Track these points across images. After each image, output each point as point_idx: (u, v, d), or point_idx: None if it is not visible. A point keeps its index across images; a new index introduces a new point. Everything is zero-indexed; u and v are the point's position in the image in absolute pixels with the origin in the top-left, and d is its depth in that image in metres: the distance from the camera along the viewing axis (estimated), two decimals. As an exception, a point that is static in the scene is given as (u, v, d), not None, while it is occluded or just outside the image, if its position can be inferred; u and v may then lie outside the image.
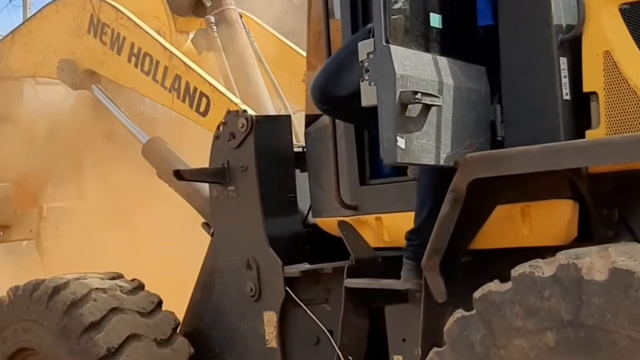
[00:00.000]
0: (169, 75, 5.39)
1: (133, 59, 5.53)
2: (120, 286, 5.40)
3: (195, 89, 5.30)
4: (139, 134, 5.76)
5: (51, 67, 5.97)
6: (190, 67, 5.35)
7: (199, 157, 5.49)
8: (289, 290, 4.77)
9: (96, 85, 5.90)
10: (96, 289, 5.29)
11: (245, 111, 5.07)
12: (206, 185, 5.36)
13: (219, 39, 5.57)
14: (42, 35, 6.04)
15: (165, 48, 5.46)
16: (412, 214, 4.07)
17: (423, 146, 3.48)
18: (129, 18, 5.59)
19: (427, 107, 3.48)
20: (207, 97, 5.26)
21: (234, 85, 5.44)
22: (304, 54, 5.86)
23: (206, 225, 5.43)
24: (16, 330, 5.42)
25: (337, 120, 4.43)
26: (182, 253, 6.99)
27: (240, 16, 5.72)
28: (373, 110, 3.54)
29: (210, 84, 5.28)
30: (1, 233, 6.82)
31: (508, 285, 3.30)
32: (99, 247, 6.70)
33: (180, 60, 5.38)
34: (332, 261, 4.83)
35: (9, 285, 5.47)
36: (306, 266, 4.91)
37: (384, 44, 3.39)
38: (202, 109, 5.28)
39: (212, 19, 5.62)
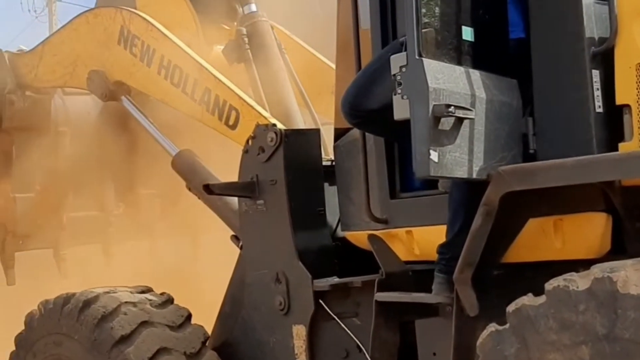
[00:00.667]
0: (198, 88, 5.39)
1: (163, 71, 5.55)
2: (150, 300, 5.42)
3: (224, 102, 5.30)
4: (168, 146, 5.77)
5: (81, 78, 5.99)
6: (220, 80, 5.36)
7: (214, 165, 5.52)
8: (323, 304, 4.75)
9: (126, 96, 5.92)
10: (126, 302, 5.31)
11: (274, 125, 5.08)
12: (235, 199, 5.37)
13: (250, 50, 5.58)
14: (72, 46, 6.06)
15: (195, 61, 5.47)
16: (443, 228, 4.06)
17: (456, 159, 3.48)
18: (159, 30, 5.60)
19: (459, 121, 3.48)
20: (237, 111, 5.26)
21: (263, 98, 5.44)
22: (333, 66, 5.88)
23: (235, 239, 5.43)
24: (47, 344, 5.45)
25: (367, 134, 4.44)
26: (209, 266, 7.01)
27: (272, 28, 5.72)
28: (405, 124, 3.55)
29: (240, 97, 5.28)
30: (21, 242, 6.86)
31: (542, 299, 3.28)
32: (122, 258, 6.73)
33: (210, 73, 5.39)
34: (361, 275, 4.82)
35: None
36: (335, 280, 4.91)
37: (417, 57, 3.40)
38: (231, 122, 5.29)
39: (244, 30, 5.63)
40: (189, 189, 5.68)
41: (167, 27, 5.65)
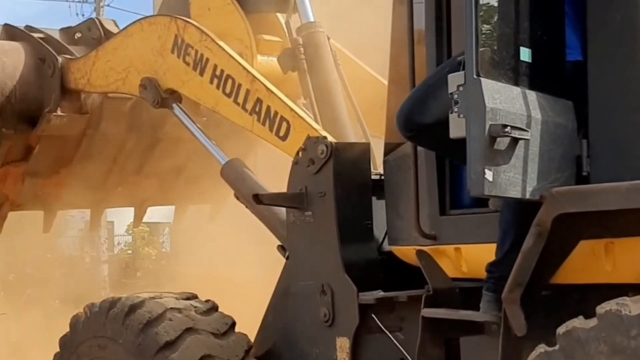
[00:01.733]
0: (250, 99, 5.44)
1: (215, 81, 5.59)
2: (195, 306, 5.46)
3: (276, 113, 5.34)
4: (218, 155, 5.81)
5: (133, 85, 6.05)
6: (271, 91, 5.39)
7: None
8: (375, 317, 4.77)
9: (177, 104, 5.98)
10: (171, 308, 5.36)
11: (325, 137, 5.12)
12: (283, 209, 5.41)
13: (305, 60, 5.62)
14: (125, 53, 6.12)
15: (248, 72, 5.51)
16: (492, 246, 4.08)
17: (510, 179, 3.50)
18: (212, 40, 5.64)
19: (515, 141, 3.51)
20: (288, 122, 5.30)
21: (315, 109, 5.47)
22: (383, 80, 5.91)
23: (281, 249, 5.47)
24: (91, 347, 5.51)
25: (418, 149, 4.46)
26: (254, 274, 7.06)
27: (328, 38, 5.75)
28: (459, 140, 3.58)
29: (291, 109, 5.32)
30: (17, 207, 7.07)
31: (593, 322, 3.29)
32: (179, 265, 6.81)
33: (262, 84, 5.43)
34: (406, 289, 4.84)
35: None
36: (381, 293, 4.92)
37: (475, 77, 3.43)
38: (281, 133, 5.33)
39: (300, 40, 5.67)
40: (237, 198, 5.72)
41: (220, 37, 5.70)
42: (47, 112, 6.52)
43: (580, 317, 3.35)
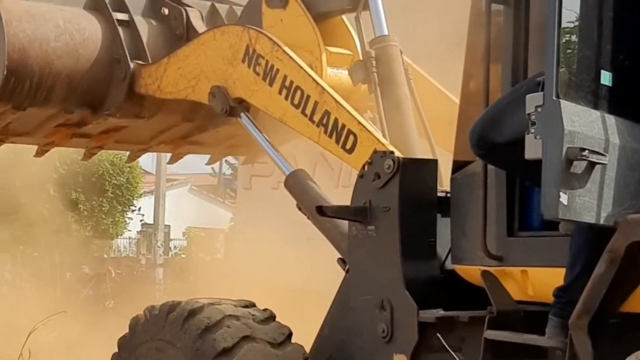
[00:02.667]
0: (318, 111, 5.43)
1: (284, 91, 5.60)
2: (253, 315, 5.45)
3: (343, 125, 5.32)
4: (282, 165, 5.81)
5: (203, 93, 6.08)
6: (340, 104, 5.38)
7: None
8: (440, 336, 4.72)
9: (245, 113, 6.00)
10: (230, 315, 5.35)
11: (392, 152, 5.09)
12: (345, 222, 5.39)
13: (376, 74, 5.60)
14: (197, 60, 6.15)
15: (317, 83, 5.50)
16: (560, 270, 4.02)
17: (585, 204, 3.45)
18: (284, 51, 5.65)
19: (592, 165, 3.46)
20: (355, 135, 5.28)
21: (384, 123, 5.44)
22: (453, 97, 5.87)
23: (342, 262, 5.44)
24: (149, 349, 5.53)
25: (489, 168, 4.42)
26: (309, 285, 7.05)
27: (401, 52, 5.73)
28: (531, 162, 3.53)
29: (359, 122, 5.29)
30: None
31: (664, 353, 3.22)
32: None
33: (331, 96, 5.41)
34: (466, 309, 4.78)
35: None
36: (441, 312, 4.87)
37: (554, 98, 3.38)
38: (348, 146, 5.30)
39: (373, 53, 5.66)
40: (299, 209, 5.72)
41: (291, 49, 5.71)
42: (107, 114, 6.62)
43: (651, 348, 3.28)
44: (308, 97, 5.48)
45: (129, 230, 25.22)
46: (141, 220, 24.52)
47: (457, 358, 4.66)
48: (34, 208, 21.00)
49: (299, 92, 5.53)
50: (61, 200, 21.23)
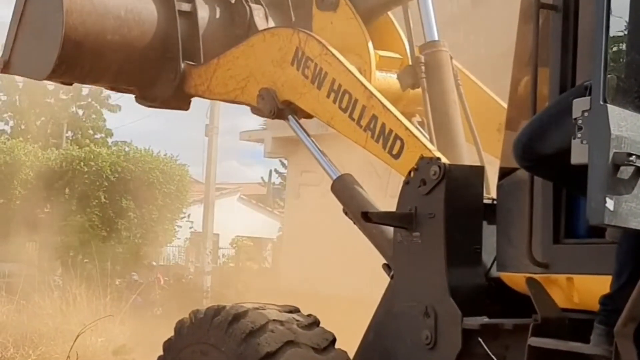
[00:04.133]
0: (365, 115, 5.42)
1: (332, 95, 5.59)
2: (297, 320, 5.46)
3: (390, 130, 5.31)
4: (329, 169, 5.81)
5: (252, 94, 6.10)
6: (387, 109, 5.36)
7: None
8: (482, 342, 4.69)
9: (293, 116, 6.01)
10: (274, 320, 5.36)
11: (438, 158, 5.07)
12: (391, 228, 5.37)
13: (425, 79, 5.59)
14: (246, 62, 6.16)
15: (366, 87, 5.49)
16: (606, 278, 3.97)
17: (632, 210, 3.41)
18: (333, 55, 5.64)
19: (639, 171, 3.41)
20: (402, 141, 5.26)
21: (432, 129, 5.42)
22: (501, 102, 5.84)
23: (387, 267, 5.43)
24: (194, 352, 5.56)
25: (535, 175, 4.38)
26: (355, 292, 7.05)
27: (451, 58, 5.71)
28: (577, 171, 3.50)
29: (407, 128, 5.27)
30: None
31: None
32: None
33: (379, 101, 5.39)
34: (511, 317, 4.75)
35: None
36: (485, 320, 4.83)
37: (602, 103, 3.35)
38: (395, 152, 5.29)
39: (422, 58, 5.64)
40: (345, 213, 5.71)
41: (340, 52, 5.71)
42: (149, 105, 6.69)
43: (697, 356, 3.23)
44: (356, 101, 5.47)
45: (178, 239, 25.46)
46: (190, 228, 24.73)
47: None
48: (85, 215, 21.33)
49: (346, 96, 5.52)
50: (112, 208, 21.52)
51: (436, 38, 5.70)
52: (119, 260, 19.99)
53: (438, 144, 5.30)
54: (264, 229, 28.50)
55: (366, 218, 5.26)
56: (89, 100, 34.57)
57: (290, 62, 5.83)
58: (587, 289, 4.17)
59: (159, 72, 6.60)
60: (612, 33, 3.50)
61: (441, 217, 4.99)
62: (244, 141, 21.24)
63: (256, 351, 5.22)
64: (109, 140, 34.16)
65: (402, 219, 5.15)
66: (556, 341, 4.16)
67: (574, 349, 4.07)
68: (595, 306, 4.03)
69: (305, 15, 6.19)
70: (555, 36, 4.29)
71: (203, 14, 6.58)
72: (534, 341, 4.23)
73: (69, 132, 35.09)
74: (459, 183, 5.04)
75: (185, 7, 6.51)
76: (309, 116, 6.08)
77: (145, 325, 13.24)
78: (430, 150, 5.17)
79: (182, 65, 6.46)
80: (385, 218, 5.28)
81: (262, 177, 33.29)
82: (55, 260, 20.36)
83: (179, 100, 6.66)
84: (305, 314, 5.62)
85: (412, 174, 5.13)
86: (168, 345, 5.82)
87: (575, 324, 4.27)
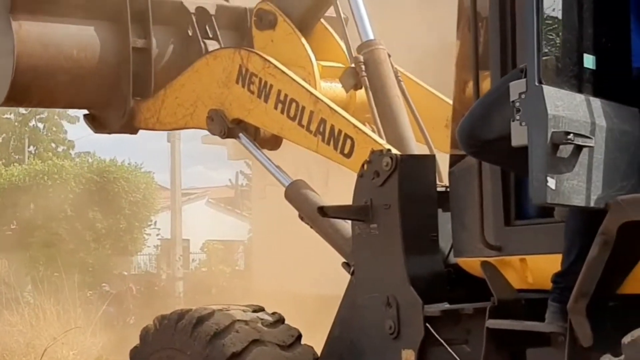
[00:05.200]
0: (314, 120, 5.50)
1: (280, 106, 5.67)
2: (262, 319, 5.50)
3: (339, 131, 5.39)
4: (281, 177, 5.89)
5: (201, 118, 6.15)
6: (334, 110, 5.45)
7: None
8: (430, 328, 4.74)
9: (243, 134, 6.05)
10: (238, 320, 5.40)
11: (389, 150, 5.12)
12: (347, 226, 5.43)
13: (366, 77, 5.65)
14: (193, 88, 6.21)
15: (311, 93, 5.58)
16: (557, 256, 4.03)
17: (573, 187, 3.46)
18: (276, 67, 5.73)
19: (578, 148, 3.47)
20: (352, 139, 5.33)
21: (379, 124, 5.48)
22: (446, 99, 5.93)
23: (346, 265, 5.48)
24: (160, 358, 5.57)
25: (483, 160, 4.43)
26: (324, 289, 7.08)
27: (389, 55, 5.77)
28: (521, 152, 3.55)
29: (355, 126, 5.35)
30: None
31: (659, 331, 3.23)
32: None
33: (326, 104, 5.49)
34: (472, 302, 4.80)
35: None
36: (446, 306, 4.89)
37: (537, 84, 3.40)
38: (346, 151, 5.36)
39: (361, 57, 5.71)
40: (301, 219, 5.77)
41: (284, 66, 5.79)
42: (99, 132, 6.78)
43: (646, 326, 3.29)
44: (303, 108, 5.56)
45: (148, 247, 25.38)
46: (158, 235, 24.66)
47: (452, 352, 4.68)
48: (51, 229, 21.21)
49: (294, 105, 5.60)
50: (79, 220, 21.41)
51: (372, 37, 5.79)
52: (88, 272, 19.90)
53: (387, 139, 5.36)
54: (234, 232, 28.45)
55: (322, 213, 5.30)
56: (47, 113, 34.32)
57: (235, 81, 5.90)
58: (540, 268, 4.22)
59: (109, 106, 6.63)
60: (545, 13, 3.54)
61: (396, 207, 5.03)
62: (207, 145, 21.20)
63: (222, 352, 5.25)
64: (72, 152, 33.89)
65: (359, 212, 5.19)
66: (513, 321, 4.21)
67: (530, 328, 4.12)
68: (549, 285, 4.08)
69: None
70: (493, 24, 4.34)
71: (158, 49, 6.56)
72: (492, 323, 4.28)
73: (31, 147, 34.80)
74: (412, 173, 5.09)
75: (140, 43, 6.47)
76: (272, 148, 6.24)
77: (118, 336, 13.22)
78: (380, 144, 5.22)
79: (132, 102, 6.48)
80: (342, 212, 5.32)
81: (230, 180, 33.22)
82: (25, 276, 20.23)
83: (129, 129, 6.70)
84: (280, 313, 5.66)
85: (365, 166, 5.18)
86: (134, 353, 5.83)
87: (531, 304, 4.32)
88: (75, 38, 6.38)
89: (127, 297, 19.91)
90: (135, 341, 5.86)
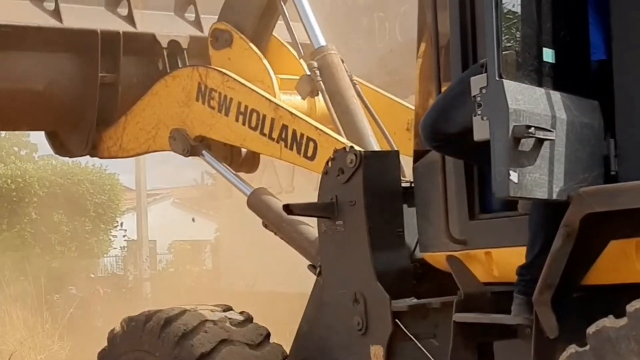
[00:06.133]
0: (276, 127, 5.54)
1: (241, 117, 5.71)
2: (230, 318, 5.52)
3: (302, 135, 5.43)
4: (243, 187, 5.92)
5: (163, 140, 6.17)
6: (296, 116, 5.50)
7: None
8: (399, 323, 4.77)
9: (206, 151, 6.06)
10: (207, 320, 5.41)
11: (352, 147, 5.15)
12: (311, 229, 5.46)
13: (322, 82, 5.68)
14: (153, 111, 6.23)
15: (271, 101, 5.62)
16: (522, 249, 4.06)
17: (536, 180, 3.49)
18: (235, 80, 5.78)
19: (540, 142, 3.50)
20: (314, 141, 5.36)
21: (339, 125, 5.53)
22: (404, 103, 6.00)
23: (312, 268, 5.49)
24: (129, 360, 5.57)
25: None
26: (293, 287, 7.08)
27: (342, 61, 5.83)
28: (484, 146, 3.57)
29: (317, 128, 5.40)
30: None
31: (623, 320, 3.27)
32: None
33: (286, 110, 5.54)
34: (439, 296, 4.83)
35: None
36: (414, 301, 4.91)
37: (497, 78, 3.43)
38: (309, 154, 5.39)
39: (315, 64, 5.75)
40: (265, 226, 5.79)
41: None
42: (62, 155, 6.77)
43: (610, 316, 3.32)
44: (264, 116, 5.60)
45: (115, 248, 25.24)
46: (124, 236, 24.52)
47: (421, 347, 4.71)
48: (16, 233, 21.03)
49: (255, 115, 5.64)
50: (44, 223, 21.24)
51: (323, 43, 5.85)
52: (55, 275, 19.74)
53: (347, 138, 5.39)
54: (201, 231, 28.35)
55: (288, 211, 5.30)
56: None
57: (195, 99, 5.94)
58: (505, 261, 4.25)
59: (73, 132, 6.64)
60: (505, 8, 3.57)
61: (362, 203, 5.05)
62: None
63: (190, 353, 5.26)
64: (35, 155, 33.58)
65: (324, 209, 5.21)
66: (479, 315, 4.24)
67: (496, 321, 4.15)
68: (514, 278, 4.11)
69: None
70: (453, 20, 4.36)
71: (126, 82, 6.51)
72: (459, 317, 4.31)
73: (-7, 152, 34.47)
74: (376, 169, 5.11)
75: (109, 78, 6.44)
76: (249, 171, 6.30)
77: (86, 339, 13.12)
78: (343, 143, 5.25)
79: (93, 134, 6.48)
80: (307, 209, 5.33)
81: (195, 179, 33.08)
82: (-11, 282, 20.05)
83: (91, 156, 6.72)
84: (248, 312, 5.66)
85: (329, 164, 5.19)
86: (102, 355, 5.82)
87: (497, 297, 4.35)
88: (42, 69, 6.35)
89: (95, 299, 19.77)
90: (104, 344, 5.85)
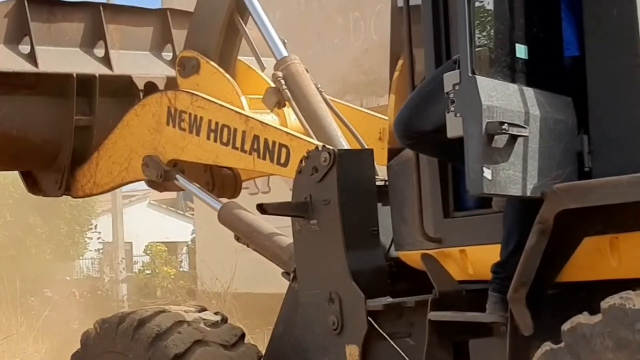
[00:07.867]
0: (247, 139, 5.51)
1: (212, 135, 5.66)
2: (204, 319, 5.48)
3: (274, 143, 5.39)
4: (213, 203, 5.87)
5: (137, 169, 6.09)
6: (266, 124, 5.48)
7: None
8: (373, 323, 4.75)
9: (180, 174, 6.00)
10: (180, 321, 5.37)
11: (324, 146, 5.12)
12: (283, 237, 5.43)
13: (287, 90, 5.67)
14: (125, 142, 6.15)
15: (241, 114, 5.59)
16: (497, 247, 4.05)
17: (509, 177, 3.48)
18: (204, 98, 5.74)
19: (513, 138, 3.49)
20: (287, 147, 5.33)
21: (309, 129, 5.50)
22: (373, 113, 5.99)
23: (285, 274, 5.46)
24: (102, 362, 5.52)
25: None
26: (269, 288, 7.05)
27: (307, 70, 5.81)
28: (458, 143, 3.56)
29: (288, 133, 5.38)
30: None
31: (598, 317, 3.27)
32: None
33: (257, 120, 5.51)
34: (414, 295, 4.81)
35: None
36: (389, 300, 4.89)
37: (470, 75, 3.41)
38: (282, 160, 5.35)
39: (280, 74, 5.72)
40: (237, 239, 5.75)
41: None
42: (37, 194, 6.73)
43: (585, 312, 3.32)
44: (235, 130, 5.57)
45: (90, 251, 25.14)
46: (98, 239, 24.44)
47: (395, 346, 4.69)
48: (-10, 235, 20.92)
49: (225, 130, 5.61)
50: (19, 226, 21.11)
51: (285, 54, 5.82)
52: (30, 278, 19.61)
53: (318, 140, 5.37)
54: (177, 233, 28.30)
55: (262, 210, 5.26)
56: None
57: (165, 123, 5.89)
58: (480, 259, 4.24)
59: (46, 172, 6.57)
60: (478, 5, 3.56)
61: (336, 202, 5.02)
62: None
63: (164, 354, 5.22)
64: (10, 157, 33.40)
65: (298, 208, 5.18)
66: (454, 313, 4.23)
67: (471, 319, 4.14)
68: (489, 275, 4.10)
69: None
70: (426, 13, 4.34)
71: (101, 124, 6.40)
72: (434, 315, 4.30)
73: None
74: (351, 167, 5.08)
75: (84, 121, 6.36)
76: (232, 196, 6.22)
77: (62, 341, 13.02)
78: (315, 144, 5.22)
79: (66, 175, 6.43)
80: (281, 208, 5.30)
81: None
82: (-37, 285, 19.89)
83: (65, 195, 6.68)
84: (223, 313, 5.63)
85: (303, 162, 5.16)
86: (76, 357, 5.77)
87: (472, 295, 4.34)
88: (17, 113, 6.25)
89: (70, 302, 19.64)
90: (79, 345, 5.80)
